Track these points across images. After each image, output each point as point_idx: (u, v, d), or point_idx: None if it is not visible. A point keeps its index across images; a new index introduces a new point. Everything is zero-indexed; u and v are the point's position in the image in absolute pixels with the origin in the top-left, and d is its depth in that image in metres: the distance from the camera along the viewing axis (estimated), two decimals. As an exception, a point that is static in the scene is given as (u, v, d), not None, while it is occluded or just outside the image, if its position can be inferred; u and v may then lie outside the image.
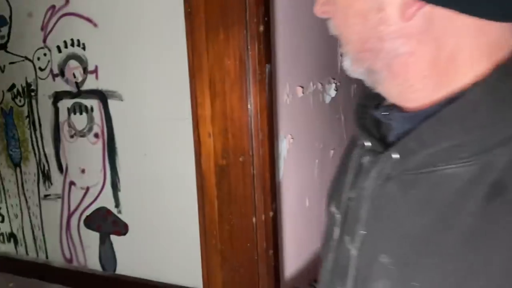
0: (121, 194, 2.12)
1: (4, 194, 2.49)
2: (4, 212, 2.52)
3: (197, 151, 1.11)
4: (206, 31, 0.98)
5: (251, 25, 0.92)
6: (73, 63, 2.10)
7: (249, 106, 1.02)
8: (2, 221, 2.54)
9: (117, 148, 2.07)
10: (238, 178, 1.10)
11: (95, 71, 2.05)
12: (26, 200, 2.42)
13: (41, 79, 2.21)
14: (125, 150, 2.06)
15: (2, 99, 2.36)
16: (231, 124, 1.02)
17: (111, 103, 2.04)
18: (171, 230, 2.03)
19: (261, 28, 0.99)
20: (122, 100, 2.01)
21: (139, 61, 1.93)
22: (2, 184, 2.48)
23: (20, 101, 2.31)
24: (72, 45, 2.08)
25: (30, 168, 2.36)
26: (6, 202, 2.50)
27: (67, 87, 2.14)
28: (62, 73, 2.14)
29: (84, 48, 2.05)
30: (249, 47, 0.93)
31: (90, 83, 2.07)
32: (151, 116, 1.96)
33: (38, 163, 2.33)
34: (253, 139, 0.98)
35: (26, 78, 2.26)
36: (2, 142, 2.42)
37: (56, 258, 2.40)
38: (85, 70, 2.07)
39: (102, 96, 2.05)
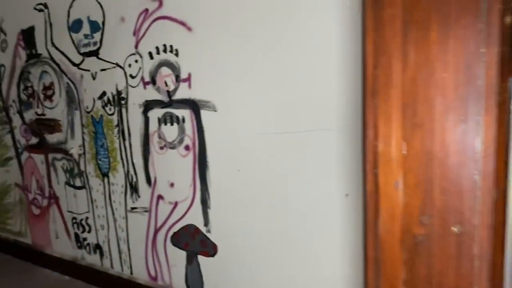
0: (211, 212, 1.98)
1: (92, 204, 2.49)
2: (91, 222, 2.52)
3: (372, 206, 0.70)
4: (404, 26, 0.66)
5: (491, 16, 0.59)
6: (165, 70, 2.01)
7: (476, 144, 0.69)
8: (89, 231, 2.55)
9: (209, 162, 1.94)
10: (446, 259, 0.67)
11: (188, 79, 1.94)
12: (113, 211, 2.39)
13: (132, 87, 2.16)
14: (217, 165, 1.92)
15: (93, 107, 2.36)
16: (441, 172, 0.67)
17: (204, 113, 1.91)
18: (263, 257, 1.84)
19: (508, 19, 0.66)
20: (215, 111, 1.87)
21: (237, 70, 1.78)
22: (90, 193, 2.49)
23: (110, 109, 2.28)
24: (165, 51, 1.99)
25: (118, 178, 2.32)
26: (93, 212, 2.50)
27: (158, 96, 2.06)
28: (153, 81, 2.06)
29: (177, 54, 1.95)
30: (484, 50, 0.60)
31: (183, 92, 1.96)
32: (247, 130, 1.80)
33: (126, 174, 2.28)
34: (480, 198, 0.63)
35: (116, 85, 2.22)
36: (91, 150, 2.42)
37: (140, 274, 2.33)
38: (177, 78, 1.97)
39: (194, 106, 1.93)
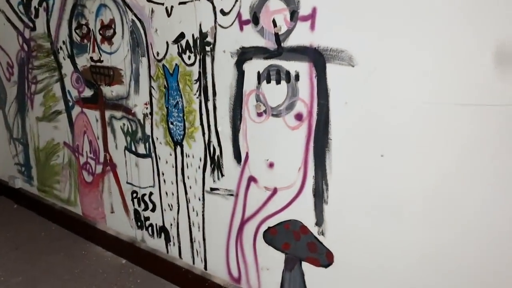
0: (328, 209, 1.51)
1: (159, 177, 2.09)
2: (156, 199, 2.14)
3: None
4: None
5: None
6: (274, 3, 1.49)
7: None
8: (153, 210, 2.17)
9: (331, 140, 1.45)
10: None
11: (311, 16, 1.41)
12: (185, 190, 1.98)
13: (222, 27, 1.67)
14: (346, 144, 1.43)
15: (166, 54, 1.90)
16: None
17: (332, 69, 1.40)
18: (407, 281, 1.37)
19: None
20: (352, 66, 1.35)
21: (391, 8, 1.23)
22: (157, 164, 2.08)
23: (189, 58, 1.81)
24: (277, -25, 1.46)
25: (195, 149, 1.89)
26: (160, 188, 2.10)
27: (260, 41, 1.56)
28: (255, 20, 1.55)
29: (296, -20, 1.42)
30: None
31: (300, 36, 1.45)
32: (403, 96, 1.27)
33: (207, 145, 1.84)
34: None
35: (200, 25, 1.73)
36: (161, 111, 1.99)
37: (218, 271, 1.94)
38: (293, 15, 1.45)
39: (317, 58, 1.42)
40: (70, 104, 2.50)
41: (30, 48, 2.67)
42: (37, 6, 2.51)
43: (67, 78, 2.47)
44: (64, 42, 2.41)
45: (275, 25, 1.51)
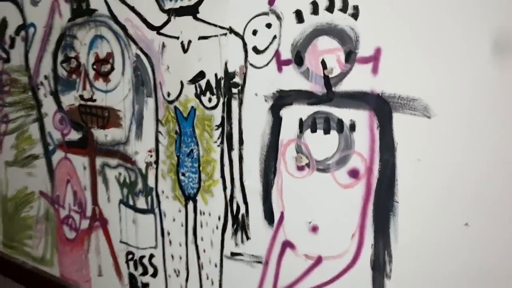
0: (390, 285, 1.28)
1: (163, 237, 1.79)
2: (158, 263, 1.82)
3: None
4: None
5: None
6: (325, 42, 1.29)
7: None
8: (155, 275, 1.85)
9: (398, 203, 1.23)
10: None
11: (374, 58, 1.22)
12: (198, 253, 1.70)
13: (255, 67, 1.44)
14: (417, 210, 1.21)
15: (179, 95, 1.65)
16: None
17: (400, 119, 1.19)
18: None
19: None
20: (428, 117, 1.15)
21: (478, 43, 1.06)
22: (161, 222, 1.78)
23: (209, 100, 1.57)
24: (330, 8, 1.26)
25: (213, 206, 1.63)
26: (163, 249, 1.80)
27: (305, 85, 1.34)
28: (298, 60, 1.34)
29: (355, 15, 1.23)
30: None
31: (358, 80, 1.24)
32: (493, 154, 1.08)
33: (229, 202, 1.58)
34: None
35: (226, 63, 1.50)
36: (170, 159, 1.71)
37: None
38: (349, 56, 1.25)
39: (380, 105, 1.22)
40: (51, 148, 2.16)
41: (2, 82, 2.33)
42: (13, 35, 2.20)
43: (48, 118, 2.14)
44: (46, 77, 2.10)
45: (324, 66, 1.30)
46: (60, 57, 2.02)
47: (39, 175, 2.26)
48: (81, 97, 1.97)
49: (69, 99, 2.03)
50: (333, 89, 1.30)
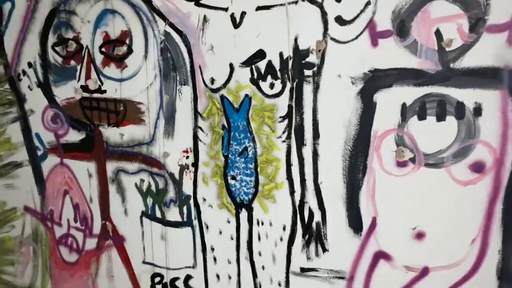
0: None
1: (204, 253, 1.49)
2: (197, 284, 1.52)
3: None
4: None
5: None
6: (442, 7, 1.05)
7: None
8: None
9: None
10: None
11: (510, 26, 1.00)
12: (253, 271, 1.42)
13: (339, 42, 1.18)
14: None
15: (228, 80, 1.34)
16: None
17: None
18: None
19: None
20: None
21: None
22: (202, 235, 1.48)
23: (271, 86, 1.29)
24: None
25: (276, 214, 1.36)
26: (205, 269, 1.50)
27: (410, 62, 1.11)
28: (401, 30, 1.10)
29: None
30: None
31: (487, 55, 1.02)
32: None
33: (299, 208, 1.31)
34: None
35: (296, 39, 1.23)
36: (213, 160, 1.41)
37: None
38: (476, 25, 1.02)
39: (520, 84, 1.01)
40: (40, 153, 1.76)
41: (-36, 74, 1.87)
42: (-20, 14, 1.76)
43: (35, 116, 1.73)
44: (31, 65, 1.69)
45: (439, 38, 1.07)
46: (52, 39, 1.62)
47: (22, 187, 1.84)
48: (84, 88, 1.59)
49: (66, 92, 1.64)
50: (451, 65, 1.07)
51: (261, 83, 1.30)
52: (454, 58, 1.07)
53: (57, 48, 1.62)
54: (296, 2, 1.21)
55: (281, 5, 1.23)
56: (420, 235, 1.18)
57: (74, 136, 1.67)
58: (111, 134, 1.59)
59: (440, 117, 1.11)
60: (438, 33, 1.07)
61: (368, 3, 1.13)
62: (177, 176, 1.50)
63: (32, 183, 1.82)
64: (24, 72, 1.72)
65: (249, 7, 1.27)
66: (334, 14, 1.17)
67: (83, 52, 1.57)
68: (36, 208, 1.84)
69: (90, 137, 1.64)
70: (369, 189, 1.22)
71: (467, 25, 1.04)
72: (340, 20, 1.17)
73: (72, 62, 1.60)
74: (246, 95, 1.33)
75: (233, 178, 1.40)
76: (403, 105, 1.14)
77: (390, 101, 1.15)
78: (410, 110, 1.13)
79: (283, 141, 1.31)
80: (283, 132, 1.30)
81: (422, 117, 1.12)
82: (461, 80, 1.07)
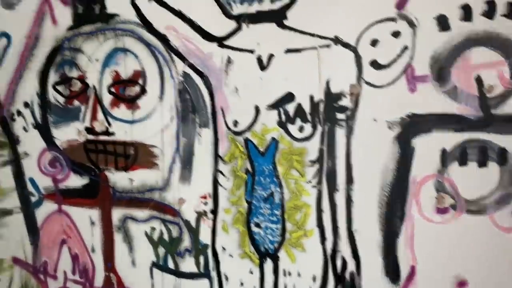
0: None
1: (224, 307, 1.39)
2: None
3: None
4: None
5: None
6: (482, 54, 1.06)
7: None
8: None
9: None
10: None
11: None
12: (282, 325, 1.33)
13: (373, 86, 1.16)
14: None
15: (252, 123, 1.29)
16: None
17: None
18: None
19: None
20: None
21: None
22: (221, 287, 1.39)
23: (300, 129, 1.25)
24: (490, 12, 1.04)
25: (304, 264, 1.30)
26: (225, 324, 1.40)
27: (450, 107, 1.10)
28: (441, 76, 1.09)
29: (527, 23, 1.02)
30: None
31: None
32: None
33: (331, 257, 1.25)
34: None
35: (327, 82, 1.20)
36: (235, 207, 1.34)
37: None
38: (520, 71, 1.03)
39: None
40: (34, 199, 1.62)
41: None
42: (-32, 49, 1.64)
43: (30, 160, 1.61)
44: (27, 105, 1.58)
45: (480, 84, 1.07)
46: (53, 78, 1.52)
47: (11, 236, 1.69)
48: (89, 130, 1.49)
49: (68, 133, 1.53)
50: (492, 111, 1.07)
51: (289, 126, 1.26)
52: (495, 104, 1.07)
53: (59, 87, 1.52)
54: (328, 46, 1.19)
55: (312, 48, 1.21)
56: (462, 284, 1.15)
57: (75, 181, 1.56)
58: (119, 179, 1.49)
59: (482, 163, 1.10)
60: (478, 80, 1.08)
61: (405, 48, 1.13)
62: (193, 223, 1.41)
63: (23, 232, 1.67)
64: (19, 112, 1.60)
65: (277, 49, 1.24)
66: (369, 58, 1.16)
67: (89, 92, 1.48)
68: (27, 259, 1.69)
69: (94, 182, 1.53)
70: (408, 237, 1.18)
71: (508, 72, 1.05)
72: (375, 64, 1.16)
73: (76, 102, 1.51)
74: (273, 138, 1.28)
75: (257, 225, 1.34)
76: (443, 150, 1.12)
77: (429, 146, 1.14)
78: (451, 155, 1.12)
79: (313, 186, 1.26)
80: (314, 177, 1.25)
81: (463, 162, 1.11)
82: (503, 126, 1.07)
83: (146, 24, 1.37)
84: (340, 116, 1.21)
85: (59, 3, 1.48)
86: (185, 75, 1.36)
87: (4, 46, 1.59)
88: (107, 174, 1.50)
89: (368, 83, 1.17)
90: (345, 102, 1.20)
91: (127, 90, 1.43)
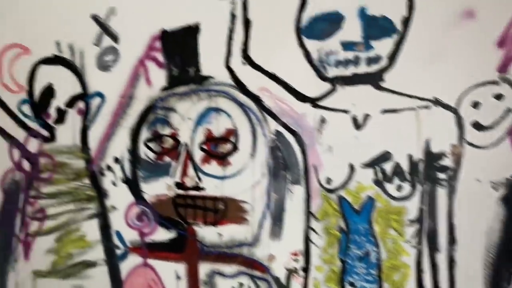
0: None
1: None
2: None
3: None
4: None
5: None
6: None
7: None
8: None
9: None
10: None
11: None
12: None
13: (476, 146, 1.18)
14: None
15: (347, 181, 1.31)
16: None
17: None
18: None
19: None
20: None
21: None
22: None
23: (398, 188, 1.26)
24: None
25: None
26: None
27: None
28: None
29: None
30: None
31: None
32: None
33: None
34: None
35: (427, 143, 1.22)
36: (328, 265, 1.34)
37: None
38: None
39: None
40: (120, 252, 1.67)
41: (37, 167, 1.82)
42: (63, 107, 1.74)
43: (117, 213, 1.66)
44: (117, 160, 1.65)
45: None
46: (145, 135, 1.60)
47: (94, 288, 1.73)
48: (179, 185, 1.55)
49: (157, 188, 1.59)
50: None
51: (387, 185, 1.28)
52: None
53: (150, 144, 1.60)
54: (427, 107, 1.22)
55: (410, 109, 1.24)
56: None
57: (162, 235, 1.60)
58: (208, 233, 1.52)
59: None
60: None
61: (508, 111, 1.14)
62: (283, 280, 1.41)
63: (106, 285, 1.71)
64: (108, 167, 1.68)
65: (373, 110, 1.28)
66: (470, 119, 1.18)
67: (180, 148, 1.55)
68: (109, 312, 1.71)
69: (181, 236, 1.56)
70: (517, 301, 1.15)
71: None
72: (477, 126, 1.18)
73: (167, 159, 1.57)
74: (369, 197, 1.30)
75: (352, 285, 1.33)
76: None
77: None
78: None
79: (413, 246, 1.25)
80: (413, 237, 1.25)
81: None
82: None
83: (240, 85, 1.45)
84: (441, 176, 1.22)
85: (154, 66, 1.58)
86: (278, 133, 1.40)
87: (98, 104, 1.70)
88: (195, 229, 1.54)
89: (470, 144, 1.19)
90: (446, 162, 1.21)
91: (219, 147, 1.49)
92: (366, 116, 1.29)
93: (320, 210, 1.36)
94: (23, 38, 1.80)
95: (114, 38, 1.64)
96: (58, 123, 1.78)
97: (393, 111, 1.26)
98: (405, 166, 1.25)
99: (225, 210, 1.49)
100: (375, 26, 1.26)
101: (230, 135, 1.47)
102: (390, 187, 1.27)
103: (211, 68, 1.49)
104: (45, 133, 1.81)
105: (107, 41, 1.65)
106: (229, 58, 1.45)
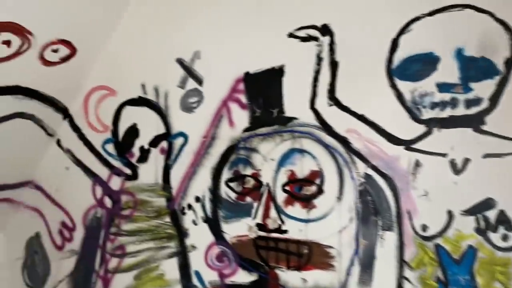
0: None
1: None
2: None
3: None
4: None
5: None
6: None
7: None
8: None
9: None
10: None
11: None
12: None
13: None
14: None
15: (445, 228, 1.24)
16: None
17: None
18: None
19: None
20: None
21: None
22: None
23: (504, 238, 1.17)
24: None
25: None
26: None
27: None
28: None
29: None
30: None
31: None
32: None
33: None
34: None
35: None
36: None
37: None
38: None
39: None
40: (200, 292, 1.67)
41: (119, 204, 1.88)
42: (147, 146, 1.80)
43: (197, 253, 1.67)
44: (199, 199, 1.67)
45: None
46: (227, 174, 1.61)
47: (171, 329, 1.72)
48: (261, 226, 1.53)
49: (238, 229, 1.58)
50: None
51: (490, 234, 1.19)
52: None
53: (231, 184, 1.61)
54: (536, 151, 1.15)
55: (516, 153, 1.17)
56: None
57: (243, 277, 1.57)
58: (291, 278, 1.48)
59: None
60: None
61: None
62: (373, 332, 1.34)
63: (184, 326, 1.70)
64: (189, 206, 1.70)
65: (474, 154, 1.22)
66: None
67: (262, 189, 1.54)
68: None
69: (262, 280, 1.53)
70: None
71: None
72: None
73: (248, 199, 1.57)
74: (470, 246, 1.22)
75: None
76: None
77: None
78: None
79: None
80: (516, 292, 1.16)
81: None
82: None
83: (326, 126, 1.44)
84: (554, 226, 1.13)
85: (237, 107, 1.61)
86: (367, 176, 1.37)
87: (181, 144, 1.74)
88: (278, 272, 1.50)
89: None
90: (560, 211, 1.12)
91: (303, 189, 1.47)
92: (466, 161, 1.22)
93: (414, 259, 1.29)
94: (110, 80, 1.91)
95: (199, 81, 1.69)
96: (141, 162, 1.84)
97: (497, 155, 1.19)
98: (511, 214, 1.17)
99: (310, 255, 1.45)
100: (474, 67, 1.22)
101: (315, 177, 1.45)
102: (495, 237, 1.19)
103: (295, 110, 1.50)
104: (128, 171, 1.88)
105: (191, 84, 1.71)
106: (315, 99, 1.45)
